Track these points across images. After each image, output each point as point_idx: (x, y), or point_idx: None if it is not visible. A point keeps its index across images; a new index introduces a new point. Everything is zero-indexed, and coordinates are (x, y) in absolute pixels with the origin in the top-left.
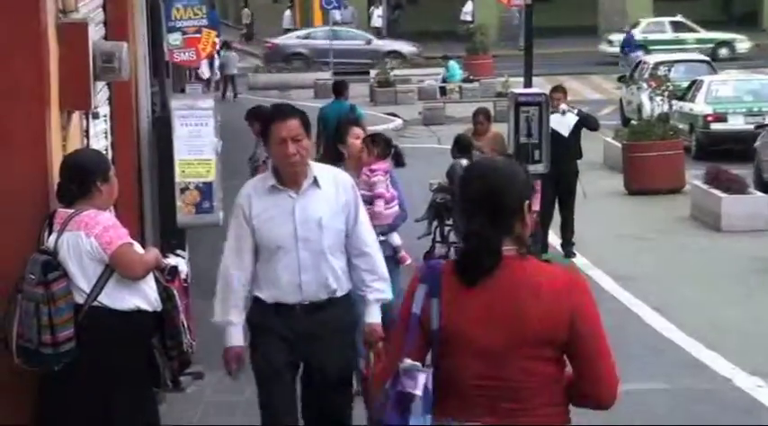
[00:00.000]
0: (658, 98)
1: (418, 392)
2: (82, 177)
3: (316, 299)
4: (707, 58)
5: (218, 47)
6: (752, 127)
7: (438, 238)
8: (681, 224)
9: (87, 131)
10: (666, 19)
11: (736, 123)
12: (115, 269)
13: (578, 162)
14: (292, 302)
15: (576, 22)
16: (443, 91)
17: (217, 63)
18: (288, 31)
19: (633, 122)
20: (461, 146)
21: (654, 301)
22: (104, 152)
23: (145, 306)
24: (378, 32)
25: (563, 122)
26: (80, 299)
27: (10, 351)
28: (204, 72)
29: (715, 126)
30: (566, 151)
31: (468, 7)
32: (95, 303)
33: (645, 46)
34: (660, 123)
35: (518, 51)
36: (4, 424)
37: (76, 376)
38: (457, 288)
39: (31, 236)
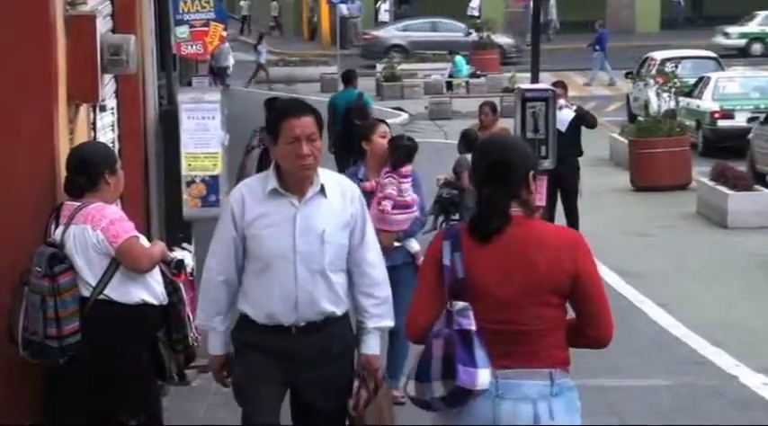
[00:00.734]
0: (665, 94)
1: (474, 327)
2: (89, 170)
3: (312, 320)
4: (714, 55)
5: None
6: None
7: None
8: (687, 220)
9: (94, 124)
10: None
11: (743, 120)
12: (121, 262)
13: (580, 159)
14: (286, 323)
15: (583, 17)
16: (450, 86)
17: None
18: (383, 24)
19: (640, 118)
20: (468, 140)
21: (659, 297)
22: (111, 145)
23: (151, 300)
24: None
25: (560, 118)
26: (86, 292)
27: (16, 344)
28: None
29: (722, 123)
30: (564, 147)
31: (475, 2)
32: (101, 296)
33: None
34: (667, 119)
35: (525, 46)
36: (10, 416)
37: (82, 369)
38: (473, 245)
39: (38, 229)
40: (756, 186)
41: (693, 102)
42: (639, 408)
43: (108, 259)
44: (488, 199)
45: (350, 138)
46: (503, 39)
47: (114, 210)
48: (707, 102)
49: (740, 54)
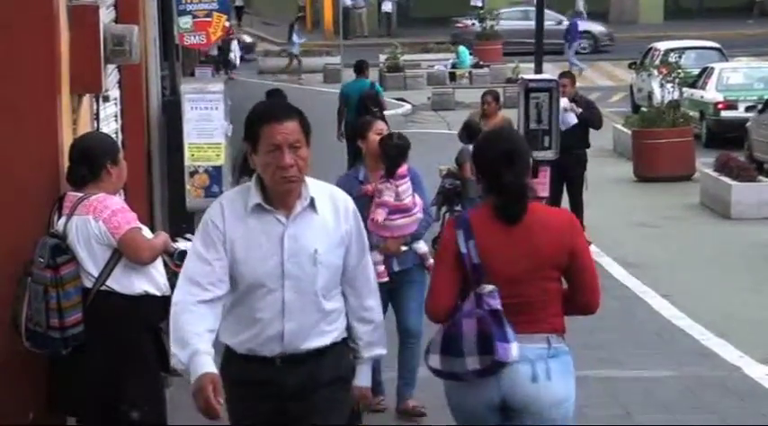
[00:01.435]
0: (669, 85)
1: (500, 307)
2: (91, 160)
3: (301, 350)
4: (718, 46)
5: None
6: None
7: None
8: (690, 211)
9: (97, 114)
10: None
11: (747, 111)
12: (123, 253)
13: (588, 151)
14: (269, 354)
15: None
16: (453, 76)
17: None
18: (476, 8)
19: (643, 109)
20: (471, 131)
21: (663, 288)
22: (114, 135)
23: (153, 291)
24: (388, 18)
25: (563, 119)
26: (88, 283)
27: (19, 334)
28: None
29: (725, 113)
30: (571, 139)
31: None
32: (103, 287)
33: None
34: (670, 110)
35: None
36: (13, 406)
37: (84, 359)
38: (485, 231)
39: (41, 219)
40: (760, 177)
41: (697, 93)
42: (643, 399)
43: (110, 250)
44: (515, 183)
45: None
46: (595, 27)
47: (116, 201)
48: (710, 93)
49: None
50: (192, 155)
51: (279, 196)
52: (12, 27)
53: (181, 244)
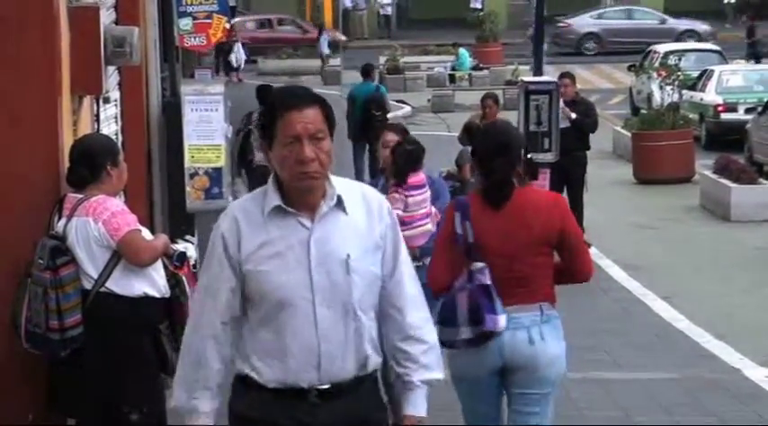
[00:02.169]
0: (668, 87)
1: (490, 282)
2: (92, 161)
3: (340, 379)
4: (718, 48)
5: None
6: None
7: None
8: (690, 213)
9: (98, 116)
10: None
11: (746, 113)
12: (122, 255)
13: (587, 153)
14: (306, 385)
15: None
16: (452, 78)
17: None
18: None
19: (643, 111)
20: (471, 133)
21: (662, 290)
22: (114, 137)
23: (153, 293)
24: (387, 20)
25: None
26: (88, 285)
27: (18, 335)
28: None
29: (725, 116)
30: (571, 141)
31: None
32: (103, 289)
33: None
34: (670, 112)
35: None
36: (13, 407)
37: (84, 361)
38: (481, 213)
39: (42, 221)
40: (760, 179)
41: (697, 95)
42: (643, 401)
43: (110, 252)
44: (500, 171)
45: (369, 128)
46: (699, 26)
47: (116, 203)
48: (710, 95)
49: None
50: (192, 156)
51: (300, 195)
52: (12, 28)
53: (180, 246)
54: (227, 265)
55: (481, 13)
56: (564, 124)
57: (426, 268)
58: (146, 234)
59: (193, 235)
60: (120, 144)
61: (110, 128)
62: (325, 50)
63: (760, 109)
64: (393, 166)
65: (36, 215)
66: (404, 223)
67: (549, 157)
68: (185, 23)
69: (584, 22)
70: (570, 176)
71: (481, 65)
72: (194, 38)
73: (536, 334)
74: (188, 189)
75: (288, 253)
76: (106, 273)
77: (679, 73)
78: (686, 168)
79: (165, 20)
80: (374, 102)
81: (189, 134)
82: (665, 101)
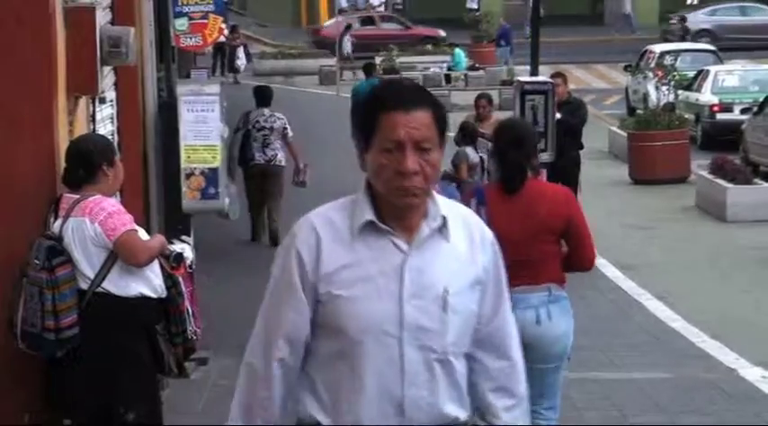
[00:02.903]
0: (664, 87)
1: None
2: (88, 162)
3: None
4: (713, 48)
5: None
6: None
7: None
8: (686, 214)
9: (93, 116)
10: None
11: (742, 113)
12: (119, 255)
13: (581, 152)
14: None
15: (581, 10)
16: (448, 78)
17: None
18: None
19: (639, 112)
20: (467, 133)
21: (658, 291)
22: (110, 137)
23: (149, 293)
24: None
25: None
26: (84, 285)
27: (14, 335)
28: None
29: (721, 116)
30: (561, 142)
31: None
32: (99, 289)
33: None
34: (666, 113)
35: (524, 39)
36: (9, 407)
37: (80, 361)
38: (495, 200)
39: (38, 221)
40: (755, 179)
41: (692, 96)
42: (639, 401)
43: (106, 252)
44: (515, 162)
45: None
46: None
47: (113, 203)
48: (706, 96)
49: None
50: (188, 156)
51: (397, 213)
52: (8, 28)
53: (177, 247)
54: (298, 285)
55: (477, 14)
56: None
57: None
58: (142, 234)
59: (189, 236)
60: (115, 144)
61: (106, 128)
62: (348, 50)
63: (755, 109)
64: None
65: (32, 215)
66: None
67: (544, 157)
68: (181, 23)
69: (697, 19)
70: (565, 176)
71: (477, 65)
72: (190, 38)
73: (543, 314)
74: (184, 189)
75: (377, 279)
76: (102, 273)
77: (675, 73)
78: (682, 168)
79: (161, 20)
80: None
81: (185, 134)
82: (661, 101)
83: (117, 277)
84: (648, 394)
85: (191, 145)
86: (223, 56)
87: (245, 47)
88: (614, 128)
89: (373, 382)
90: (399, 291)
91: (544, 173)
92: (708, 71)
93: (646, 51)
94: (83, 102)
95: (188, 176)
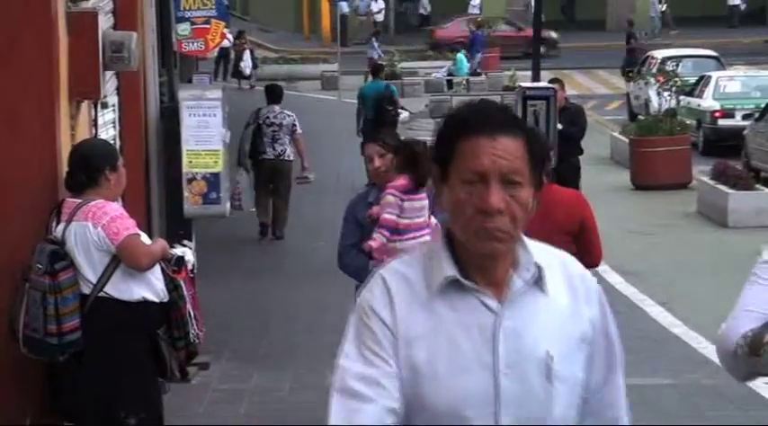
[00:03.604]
0: (666, 93)
1: None
2: (90, 166)
3: None
4: (715, 54)
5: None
6: None
7: None
8: (687, 219)
9: (96, 121)
10: None
11: (744, 119)
12: (121, 259)
13: (581, 158)
14: None
15: (584, 16)
16: (450, 84)
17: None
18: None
19: (640, 117)
20: None
21: (659, 296)
22: (112, 142)
23: (151, 297)
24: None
25: None
26: (86, 290)
27: (16, 340)
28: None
29: (722, 121)
30: (564, 147)
31: (476, 0)
32: (102, 293)
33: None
34: (667, 118)
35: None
36: (10, 412)
37: (82, 366)
38: None
39: (40, 225)
40: (757, 185)
41: (694, 101)
42: (640, 407)
43: (109, 256)
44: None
45: (382, 123)
46: None
47: (115, 207)
48: (707, 101)
49: None
50: (190, 161)
51: (481, 264)
52: (11, 33)
53: (178, 251)
54: (379, 342)
55: (479, 19)
56: None
57: None
58: (144, 238)
59: (191, 240)
60: (118, 149)
61: (108, 133)
62: (375, 56)
63: (757, 115)
64: (417, 168)
65: (34, 219)
66: (398, 231)
67: None
68: (183, 28)
69: None
70: (565, 182)
71: (479, 70)
72: (193, 43)
73: None
74: (186, 194)
75: (464, 346)
76: (105, 278)
77: (676, 79)
78: (683, 174)
79: (163, 25)
80: (386, 99)
81: (187, 139)
82: (663, 106)
83: (119, 281)
84: (650, 399)
85: (193, 150)
86: (226, 61)
87: (252, 52)
88: (616, 134)
89: None
90: (493, 360)
91: None
92: (709, 77)
93: (648, 57)
94: (85, 106)
95: (190, 181)
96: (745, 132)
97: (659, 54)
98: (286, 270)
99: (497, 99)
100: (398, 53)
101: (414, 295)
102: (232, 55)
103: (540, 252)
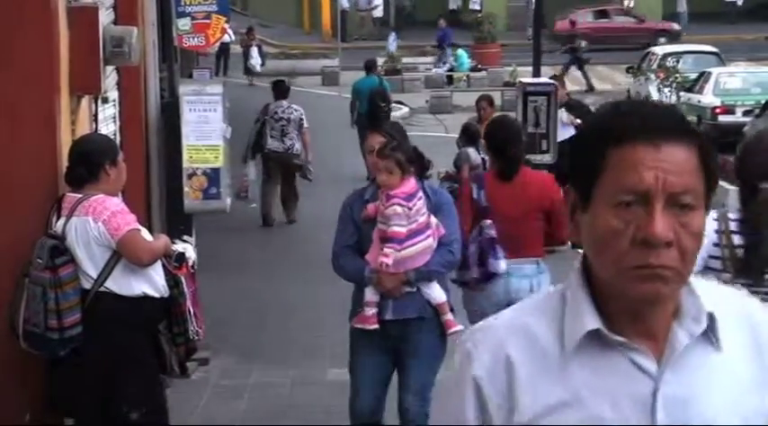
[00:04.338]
0: (666, 89)
1: (495, 235)
2: (90, 161)
3: None
4: (715, 50)
5: None
6: None
7: None
8: None
9: (96, 116)
10: None
11: (744, 115)
12: (122, 255)
13: None
14: None
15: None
16: (450, 79)
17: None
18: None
19: None
20: (469, 134)
21: None
22: (112, 137)
23: (152, 293)
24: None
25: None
26: (87, 285)
27: (16, 335)
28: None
29: (723, 118)
30: (565, 144)
31: None
32: (102, 288)
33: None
34: None
35: (526, 41)
36: (11, 408)
37: (83, 361)
38: (494, 185)
39: (40, 220)
40: None
41: (694, 97)
42: None
43: (109, 251)
44: (513, 155)
45: (375, 118)
46: None
47: (116, 202)
48: (708, 98)
49: None
50: (191, 156)
51: (634, 311)
52: (11, 28)
53: (179, 247)
54: (488, 412)
55: (480, 15)
56: (569, 133)
57: (422, 299)
58: (145, 234)
59: (191, 235)
60: (118, 144)
61: (108, 128)
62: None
63: (758, 111)
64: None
65: (34, 214)
66: (406, 237)
67: (547, 159)
68: (184, 23)
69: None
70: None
71: (479, 66)
72: (193, 38)
73: (535, 283)
74: (186, 189)
75: (611, 420)
76: (106, 273)
77: (677, 75)
78: None
79: (163, 20)
80: (379, 95)
81: (187, 134)
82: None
83: (120, 276)
84: None
85: (193, 145)
86: (226, 57)
87: (260, 48)
88: None
89: None
90: None
91: None
92: (710, 73)
93: (648, 53)
94: (85, 101)
95: (190, 176)
96: (746, 128)
97: (660, 50)
98: (286, 265)
99: (497, 95)
100: (399, 48)
101: (541, 356)
102: (236, 50)
103: (711, 295)
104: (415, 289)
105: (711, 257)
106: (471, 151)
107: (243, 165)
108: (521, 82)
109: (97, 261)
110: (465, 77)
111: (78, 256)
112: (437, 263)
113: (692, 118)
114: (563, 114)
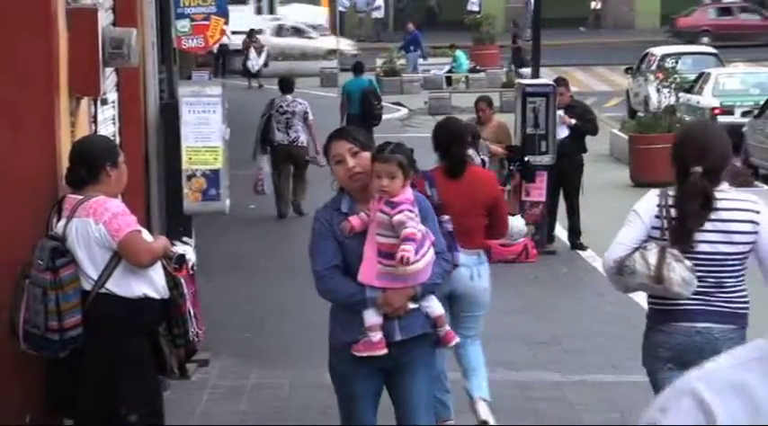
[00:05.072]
0: (665, 90)
1: (452, 230)
2: (90, 162)
3: None
4: (714, 51)
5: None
6: None
7: None
8: None
9: (95, 117)
10: None
11: (743, 116)
12: (123, 256)
13: (584, 156)
14: None
15: (582, 13)
16: (449, 81)
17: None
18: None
19: (640, 114)
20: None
21: None
22: (112, 138)
23: (152, 294)
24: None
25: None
26: (87, 286)
27: (16, 337)
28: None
29: (721, 118)
30: (565, 146)
31: None
32: (103, 290)
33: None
34: (667, 115)
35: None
36: (10, 408)
37: (83, 362)
38: (443, 182)
39: (40, 222)
40: (756, 182)
41: (693, 98)
42: (640, 403)
43: (110, 252)
44: (457, 153)
45: (369, 117)
46: None
47: (117, 204)
48: (707, 98)
49: None
50: (190, 158)
51: None
52: (10, 29)
53: (179, 248)
54: None
55: (478, 16)
56: (564, 133)
57: (422, 314)
58: (146, 235)
59: (191, 237)
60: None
61: (107, 129)
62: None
63: (756, 112)
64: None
65: (35, 216)
66: (390, 255)
67: (546, 160)
68: (183, 25)
69: None
70: (567, 179)
71: (478, 67)
72: (192, 39)
73: (475, 273)
74: (185, 190)
75: None
76: (106, 274)
77: (676, 75)
78: None
79: (162, 21)
80: (371, 94)
81: (186, 135)
82: (662, 103)
83: (120, 277)
84: (649, 396)
85: (192, 146)
86: (225, 58)
87: (260, 50)
88: (615, 131)
89: None
90: None
91: (545, 176)
92: (709, 74)
93: (647, 54)
94: (84, 103)
95: (189, 178)
96: (744, 129)
97: (659, 51)
98: (286, 266)
99: (496, 96)
100: (397, 50)
101: (755, 413)
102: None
103: None
104: (417, 306)
105: (653, 228)
106: (470, 152)
107: (254, 161)
108: (519, 83)
109: (98, 263)
110: (464, 79)
111: (79, 257)
112: (437, 275)
113: (690, 118)
114: (559, 112)
